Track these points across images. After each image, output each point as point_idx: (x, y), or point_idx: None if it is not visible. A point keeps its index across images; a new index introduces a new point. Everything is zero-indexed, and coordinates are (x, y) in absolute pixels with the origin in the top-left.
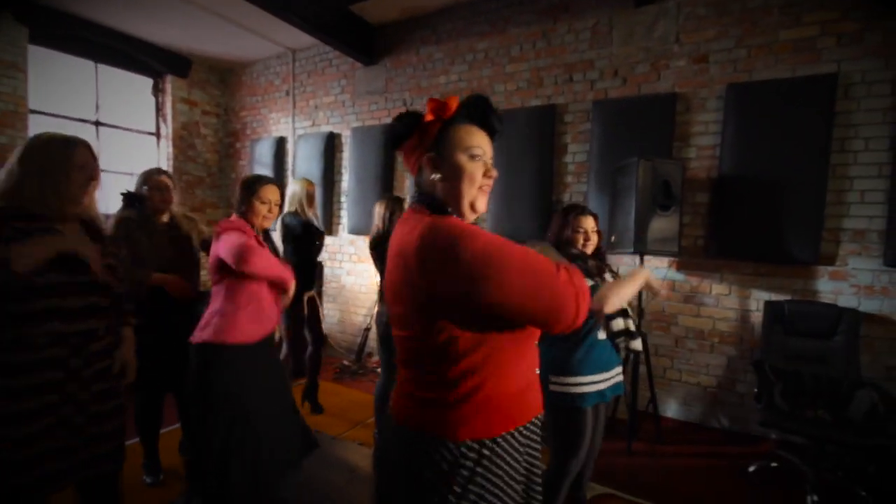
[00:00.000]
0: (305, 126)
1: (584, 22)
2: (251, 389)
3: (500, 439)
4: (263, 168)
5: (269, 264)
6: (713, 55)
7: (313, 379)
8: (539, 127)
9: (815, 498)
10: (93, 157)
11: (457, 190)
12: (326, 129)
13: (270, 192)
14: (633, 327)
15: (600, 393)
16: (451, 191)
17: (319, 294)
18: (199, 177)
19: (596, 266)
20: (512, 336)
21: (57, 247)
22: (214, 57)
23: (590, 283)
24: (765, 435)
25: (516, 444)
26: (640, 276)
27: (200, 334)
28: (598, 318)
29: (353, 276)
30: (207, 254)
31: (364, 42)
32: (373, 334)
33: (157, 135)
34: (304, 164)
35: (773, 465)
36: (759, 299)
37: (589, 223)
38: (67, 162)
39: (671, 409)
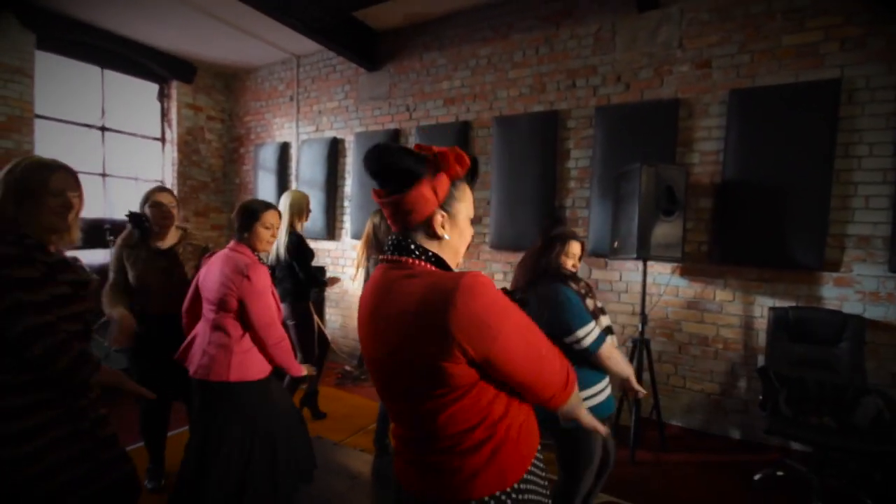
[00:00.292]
0: (309, 131)
1: (586, 28)
2: (266, 422)
3: (521, 483)
4: (267, 173)
5: (286, 346)
6: (716, 60)
7: (314, 386)
8: (542, 132)
9: None
10: (73, 184)
11: (457, 253)
12: (330, 134)
13: (273, 217)
14: (616, 342)
15: (608, 403)
16: (452, 253)
17: (322, 299)
18: (203, 181)
19: (585, 286)
20: None
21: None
22: (219, 62)
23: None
24: (770, 443)
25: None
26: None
27: (208, 371)
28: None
29: (356, 280)
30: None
31: (368, 48)
32: None
33: (163, 140)
34: (307, 169)
35: (779, 473)
36: (763, 305)
37: (577, 248)
38: (42, 187)
39: (675, 416)
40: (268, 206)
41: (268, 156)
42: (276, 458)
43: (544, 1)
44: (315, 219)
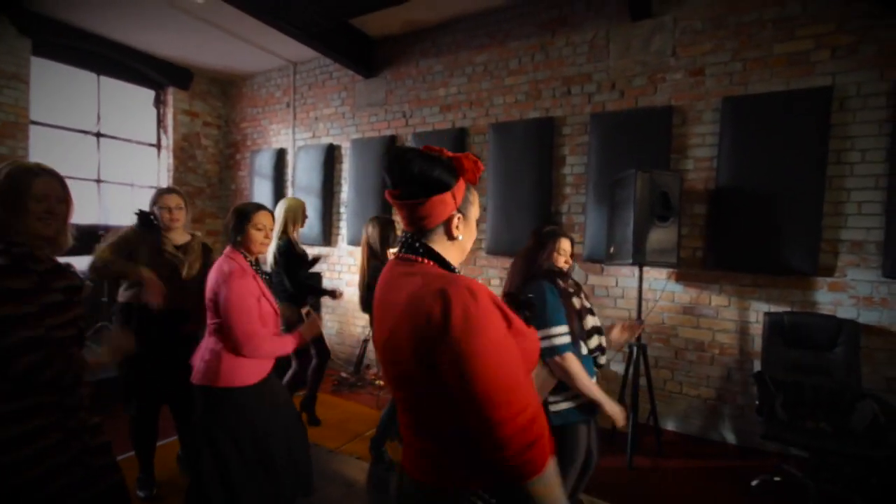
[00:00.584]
0: (305, 137)
1: (581, 35)
2: (263, 425)
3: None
4: (263, 179)
5: (274, 347)
6: (709, 68)
7: (313, 391)
8: (538, 139)
9: None
10: (58, 189)
11: (464, 251)
12: (326, 140)
13: (265, 218)
14: (605, 343)
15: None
16: (460, 252)
17: (318, 306)
18: (199, 187)
19: (574, 284)
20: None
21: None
22: (216, 69)
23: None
24: (767, 448)
25: None
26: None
27: (202, 377)
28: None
29: (352, 287)
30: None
31: (364, 55)
32: (371, 346)
33: (158, 146)
34: (303, 175)
35: (776, 478)
36: (758, 311)
37: (568, 245)
38: (25, 192)
39: (672, 422)
40: (259, 207)
41: (264, 162)
42: (274, 462)
43: (540, 9)
44: (311, 225)
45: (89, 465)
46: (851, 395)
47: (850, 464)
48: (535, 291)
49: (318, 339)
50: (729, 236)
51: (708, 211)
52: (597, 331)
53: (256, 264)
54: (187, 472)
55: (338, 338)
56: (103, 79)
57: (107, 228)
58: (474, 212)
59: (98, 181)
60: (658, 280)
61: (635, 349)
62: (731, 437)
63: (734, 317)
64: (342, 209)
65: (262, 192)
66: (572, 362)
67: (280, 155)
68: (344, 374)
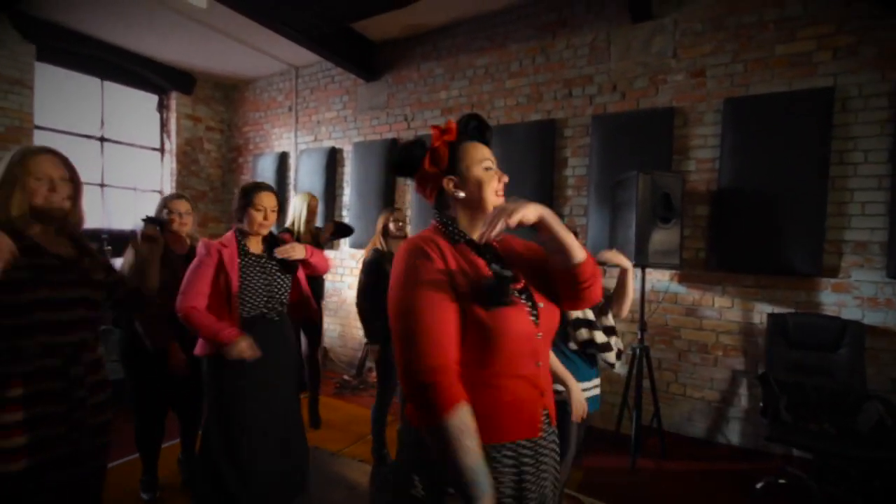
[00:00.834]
0: (308, 141)
1: (582, 38)
2: (253, 399)
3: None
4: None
5: (201, 318)
6: (710, 70)
7: (315, 393)
8: (539, 141)
9: None
10: (62, 167)
11: (482, 200)
12: (328, 143)
13: (266, 199)
14: (600, 339)
15: (592, 401)
16: (477, 203)
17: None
18: (202, 191)
19: None
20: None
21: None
22: (218, 74)
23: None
24: (771, 450)
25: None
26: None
27: (200, 348)
28: None
29: (354, 289)
30: None
31: (366, 58)
32: None
33: (162, 150)
34: (306, 178)
35: (781, 481)
36: (761, 312)
37: None
38: (24, 172)
39: (675, 424)
40: (260, 186)
41: (266, 166)
42: (254, 449)
43: (540, 11)
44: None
45: (80, 444)
46: (856, 397)
47: (855, 466)
48: None
49: (311, 324)
50: (732, 237)
51: (710, 212)
52: (586, 323)
53: (271, 240)
54: (188, 479)
55: (340, 340)
56: (107, 84)
57: (110, 232)
58: (473, 165)
59: (102, 185)
60: (661, 281)
61: (638, 351)
62: (735, 440)
63: (738, 318)
64: (344, 212)
65: None
66: None
67: (282, 158)
68: (346, 377)
